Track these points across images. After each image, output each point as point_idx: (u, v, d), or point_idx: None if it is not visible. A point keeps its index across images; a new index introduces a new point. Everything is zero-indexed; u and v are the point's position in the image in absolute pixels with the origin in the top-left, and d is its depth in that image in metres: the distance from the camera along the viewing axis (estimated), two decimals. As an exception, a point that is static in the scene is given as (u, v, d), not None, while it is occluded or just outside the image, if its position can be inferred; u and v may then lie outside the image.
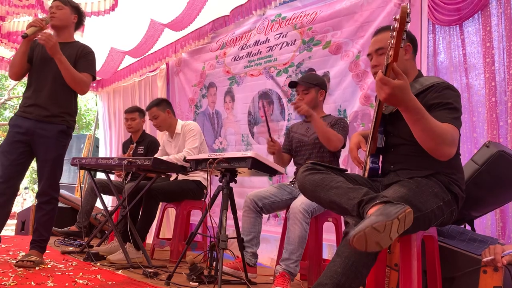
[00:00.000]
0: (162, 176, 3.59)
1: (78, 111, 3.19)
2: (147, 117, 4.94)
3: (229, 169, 2.59)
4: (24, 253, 3.01)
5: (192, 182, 3.82)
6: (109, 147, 7.13)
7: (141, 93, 6.50)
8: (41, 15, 4.87)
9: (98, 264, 3.09)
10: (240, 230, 2.82)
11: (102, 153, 7.36)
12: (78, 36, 4.95)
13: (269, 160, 2.67)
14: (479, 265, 1.94)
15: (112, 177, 4.29)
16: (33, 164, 3.22)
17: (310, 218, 2.66)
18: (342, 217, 2.83)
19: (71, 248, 3.80)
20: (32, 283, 2.32)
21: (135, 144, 4.51)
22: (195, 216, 4.69)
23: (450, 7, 3.15)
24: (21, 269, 2.69)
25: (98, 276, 2.65)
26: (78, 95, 3.10)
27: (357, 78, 3.67)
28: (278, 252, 3.02)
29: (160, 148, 4.22)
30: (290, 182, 3.13)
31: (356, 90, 3.67)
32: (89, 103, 17.99)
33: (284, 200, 2.96)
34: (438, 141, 1.67)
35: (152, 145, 4.53)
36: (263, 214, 2.95)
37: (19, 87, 16.47)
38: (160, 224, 4.01)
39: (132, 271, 2.95)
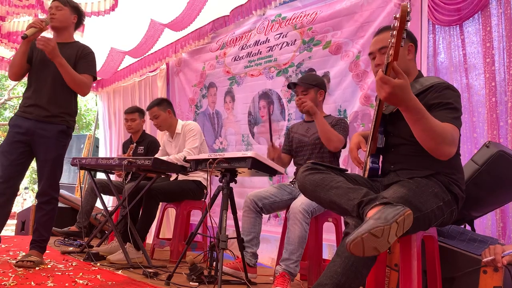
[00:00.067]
0: (162, 176, 3.59)
1: (78, 111, 3.18)
2: (147, 117, 4.95)
3: (229, 169, 2.59)
4: (24, 253, 3.01)
5: (192, 182, 3.82)
6: (109, 147, 7.13)
7: (141, 93, 6.50)
8: (41, 15, 4.87)
9: (98, 264, 3.09)
10: (240, 230, 2.82)
11: (102, 153, 7.36)
12: (78, 36, 4.96)
13: (269, 160, 2.67)
14: (479, 265, 1.93)
15: (112, 177, 4.30)
16: (33, 164, 3.22)
17: (310, 218, 2.66)
18: (342, 217, 2.83)
19: (71, 248, 3.79)
20: (32, 283, 2.32)
21: (135, 144, 4.51)
22: (195, 216, 4.69)
23: (450, 7, 3.15)
24: (21, 269, 2.69)
25: (98, 276, 2.65)
26: (78, 95, 3.09)
27: (357, 78, 3.67)
28: (278, 252, 3.02)
29: (160, 148, 4.23)
30: (290, 182, 3.13)
31: (356, 90, 3.67)
32: (89, 103, 18.00)
33: (284, 200, 2.96)
34: (438, 141, 1.67)
35: (152, 145, 4.53)
36: (263, 214, 2.95)
37: (19, 87, 16.47)
38: (160, 224, 4.01)
39: (132, 271, 2.95)
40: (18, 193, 3.16)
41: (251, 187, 4.32)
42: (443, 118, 1.73)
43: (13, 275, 2.45)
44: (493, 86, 2.91)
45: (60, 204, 3.49)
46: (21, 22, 5.55)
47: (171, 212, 5.13)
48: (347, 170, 1.98)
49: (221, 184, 2.64)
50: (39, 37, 2.80)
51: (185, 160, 3.26)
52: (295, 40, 4.25)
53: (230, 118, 4.87)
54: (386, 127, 2.01)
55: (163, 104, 4.02)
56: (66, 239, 4.26)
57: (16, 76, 3.02)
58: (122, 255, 3.20)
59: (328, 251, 3.56)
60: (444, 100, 1.81)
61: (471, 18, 3.10)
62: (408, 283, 1.72)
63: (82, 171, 4.83)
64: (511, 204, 2.70)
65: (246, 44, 4.79)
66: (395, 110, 1.93)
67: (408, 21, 1.54)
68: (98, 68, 3.19)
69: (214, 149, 5.01)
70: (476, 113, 3.02)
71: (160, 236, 4.10)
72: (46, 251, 3.05)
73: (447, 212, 1.82)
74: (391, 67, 1.60)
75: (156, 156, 4.09)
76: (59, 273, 2.66)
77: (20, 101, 3.08)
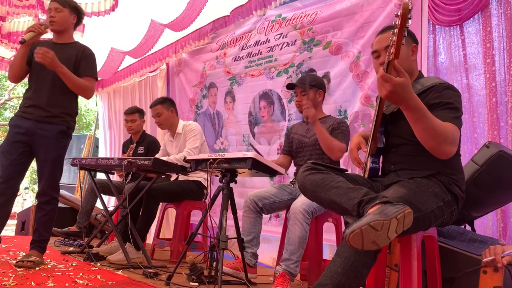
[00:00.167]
0: (162, 176, 3.59)
1: (78, 111, 3.19)
2: (147, 117, 4.95)
3: (229, 170, 2.59)
4: (24, 253, 3.01)
5: (192, 183, 3.82)
6: (109, 148, 7.13)
7: (141, 93, 6.50)
8: (41, 16, 4.88)
9: (98, 264, 3.09)
10: (240, 230, 2.82)
11: (102, 154, 7.36)
12: (78, 37, 4.97)
13: (269, 161, 2.67)
14: (479, 265, 1.93)
15: (114, 177, 4.30)
16: (33, 164, 3.22)
17: (311, 218, 2.66)
18: (342, 217, 2.83)
19: (71, 249, 3.79)
20: (32, 283, 2.32)
21: (135, 144, 4.51)
22: (196, 217, 4.69)
23: (450, 8, 3.15)
24: (21, 269, 2.69)
25: (98, 277, 2.65)
26: (79, 96, 3.10)
27: (357, 79, 3.67)
28: (278, 252, 3.02)
29: (161, 148, 4.23)
30: (290, 182, 3.13)
31: (357, 91, 3.67)
32: (89, 103, 18.00)
33: (284, 200, 2.96)
34: (439, 140, 1.67)
35: (152, 145, 4.53)
36: (263, 215, 2.95)
37: (19, 88, 16.48)
38: (160, 224, 4.01)
39: (132, 271, 2.95)
40: (18, 193, 3.16)
41: (252, 187, 4.32)
42: (444, 117, 1.73)
43: (13, 275, 2.45)
44: (494, 86, 2.91)
45: (60, 204, 3.49)
46: (21, 23, 5.56)
47: (171, 212, 5.13)
48: (347, 170, 1.98)
49: (221, 184, 2.64)
50: (36, 50, 2.79)
51: (185, 160, 3.26)
52: (295, 41, 4.25)
53: (231, 118, 4.87)
54: (387, 127, 2.01)
55: (167, 103, 4.03)
56: (66, 239, 4.26)
57: (16, 78, 3.03)
58: (122, 255, 3.20)
59: (329, 251, 3.56)
60: (444, 100, 1.81)
61: (471, 19, 3.10)
62: (408, 283, 1.72)
63: (82, 171, 4.83)
64: (511, 204, 2.70)
65: (246, 45, 4.79)
66: (395, 110, 1.93)
67: (410, 18, 1.53)
68: (98, 68, 3.19)
69: (215, 149, 5.01)
70: (477, 114, 3.02)
71: (160, 236, 4.10)
72: (46, 251, 3.05)
73: (447, 212, 1.82)
74: (392, 65, 1.60)
75: (157, 155, 4.10)
76: (59, 273, 2.66)
77: (20, 101, 3.09)
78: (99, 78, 6.67)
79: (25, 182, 17.04)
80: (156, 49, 5.82)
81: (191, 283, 2.59)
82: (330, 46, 3.93)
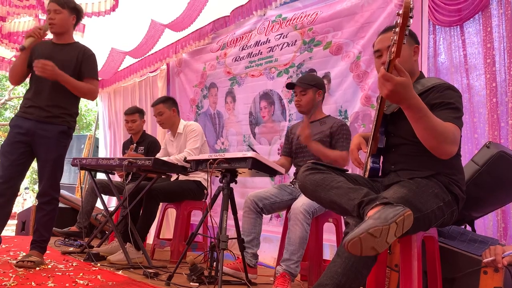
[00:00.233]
0: (163, 176, 3.59)
1: (79, 111, 3.19)
2: (147, 117, 4.95)
3: (229, 170, 2.59)
4: (24, 254, 3.01)
5: (193, 183, 3.82)
6: (109, 148, 7.13)
7: (141, 93, 6.51)
8: (41, 16, 4.88)
9: (99, 264, 3.09)
10: (241, 230, 2.82)
11: (102, 154, 7.36)
12: (78, 37, 4.97)
13: (270, 160, 2.67)
14: (480, 265, 1.93)
15: (114, 177, 4.29)
16: (34, 165, 3.23)
17: (311, 218, 2.66)
18: (342, 217, 2.83)
19: (71, 249, 3.79)
20: (33, 283, 2.32)
21: (135, 144, 4.50)
22: (196, 217, 4.69)
23: (450, 8, 3.15)
24: (21, 269, 2.69)
25: (99, 277, 2.65)
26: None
27: (358, 79, 3.67)
28: (278, 252, 3.02)
29: (162, 147, 4.23)
30: (290, 182, 3.13)
31: (357, 91, 3.67)
32: (89, 104, 17.99)
33: (285, 200, 2.96)
34: (440, 139, 1.67)
35: (152, 145, 4.53)
36: (263, 215, 2.95)
37: (20, 88, 16.46)
38: (160, 224, 4.01)
39: (132, 272, 2.95)
40: (19, 193, 3.16)
41: (252, 187, 4.32)
42: (445, 117, 1.73)
43: (13, 275, 2.45)
44: (494, 86, 2.91)
45: (60, 205, 3.49)
46: (21, 23, 5.56)
47: (171, 212, 5.13)
48: (347, 170, 1.98)
49: (221, 184, 2.64)
50: (35, 62, 2.80)
51: (185, 160, 3.26)
52: (296, 41, 4.25)
53: (231, 118, 4.87)
54: (387, 127, 2.01)
55: (169, 102, 4.03)
56: (67, 240, 4.26)
57: (17, 82, 3.06)
58: (123, 256, 3.20)
59: (329, 252, 3.56)
60: (445, 100, 1.81)
61: (471, 19, 3.10)
62: (409, 284, 1.72)
63: (82, 172, 4.83)
64: None
65: (246, 45, 4.79)
66: (396, 110, 1.93)
67: (411, 17, 1.53)
68: (98, 68, 3.19)
69: (216, 149, 5.01)
70: (477, 114, 3.02)
71: (160, 237, 4.10)
72: (47, 252, 3.05)
73: (447, 213, 1.82)
74: (393, 64, 1.60)
75: (157, 155, 4.10)
76: (60, 274, 2.67)
77: (20, 102, 3.09)
78: (99, 78, 6.70)
79: (25, 182, 17.03)
80: (157, 49, 5.82)
81: (191, 283, 2.59)
82: (331, 46, 3.93)
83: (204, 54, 5.37)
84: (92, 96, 3.08)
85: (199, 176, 3.85)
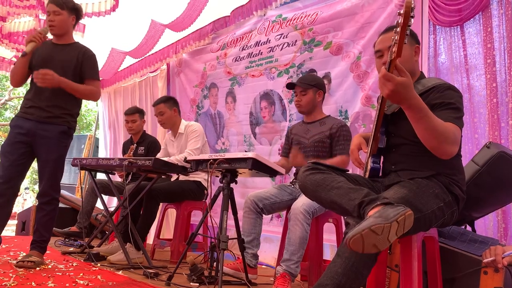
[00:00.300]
0: (163, 176, 3.59)
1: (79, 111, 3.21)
2: (147, 117, 4.95)
3: (229, 170, 2.59)
4: (24, 254, 3.01)
5: (193, 183, 3.82)
6: (109, 148, 7.13)
7: (141, 93, 6.50)
8: (42, 16, 4.88)
9: (99, 264, 3.10)
10: (241, 231, 2.82)
11: (102, 154, 7.36)
12: (78, 37, 4.97)
13: (270, 161, 2.67)
14: (480, 266, 1.93)
15: (114, 177, 4.29)
16: (34, 165, 3.23)
17: (311, 219, 2.66)
18: (342, 217, 2.83)
19: (71, 249, 3.80)
20: (33, 283, 2.32)
21: (135, 144, 4.51)
22: (196, 217, 4.69)
23: (451, 8, 3.15)
24: (21, 269, 2.69)
25: (99, 277, 2.65)
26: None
27: (358, 79, 3.67)
28: (278, 252, 3.02)
29: (162, 147, 4.22)
30: (290, 182, 3.13)
31: (357, 91, 3.67)
32: (90, 104, 17.98)
33: (285, 201, 2.96)
34: (440, 140, 1.67)
35: (152, 145, 4.53)
36: (263, 215, 2.95)
37: (20, 88, 16.47)
38: (160, 224, 4.01)
39: (132, 272, 2.95)
40: (19, 193, 3.16)
41: (253, 187, 4.32)
42: (446, 117, 1.73)
43: (13, 276, 2.45)
44: (494, 87, 2.91)
45: (60, 205, 3.49)
46: (22, 23, 5.56)
47: (171, 212, 5.13)
48: (348, 170, 1.98)
49: (221, 184, 2.64)
50: (34, 74, 2.84)
51: (185, 160, 3.26)
52: (296, 41, 4.25)
53: (232, 118, 4.87)
54: (388, 128, 2.01)
55: (170, 102, 4.03)
56: (67, 240, 4.27)
57: (18, 84, 3.09)
58: (123, 256, 3.20)
59: (330, 252, 3.56)
60: (446, 100, 1.81)
61: (472, 19, 3.10)
62: (409, 284, 1.72)
63: (82, 172, 4.83)
64: (512, 205, 2.70)
65: (247, 45, 4.79)
66: (396, 110, 1.93)
67: (412, 17, 1.53)
68: (99, 68, 3.20)
69: (216, 149, 5.01)
70: (477, 114, 3.02)
71: (160, 237, 4.10)
72: (47, 252, 3.05)
73: (447, 213, 1.82)
74: (394, 64, 1.60)
75: (158, 155, 4.09)
76: (60, 274, 2.67)
77: (20, 102, 3.10)
78: (100, 78, 6.71)
79: (25, 182, 17.04)
80: (157, 50, 5.81)
81: (191, 283, 2.59)
82: (331, 46, 3.93)
83: (204, 54, 5.37)
84: (94, 98, 3.10)
85: (199, 177, 3.85)
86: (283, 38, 4.38)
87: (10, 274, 2.49)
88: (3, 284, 2.25)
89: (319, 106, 3.12)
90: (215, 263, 2.59)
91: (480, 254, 1.97)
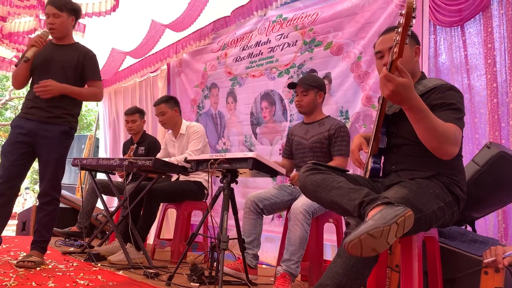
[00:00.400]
0: (163, 176, 3.59)
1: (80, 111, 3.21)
2: (147, 117, 4.95)
3: (230, 170, 2.59)
4: (25, 254, 3.01)
5: (193, 183, 3.82)
6: (109, 148, 7.13)
7: (141, 93, 6.51)
8: (42, 16, 4.88)
9: (99, 264, 3.10)
10: (241, 231, 2.82)
11: (102, 154, 7.36)
12: (79, 37, 4.97)
13: (270, 161, 2.67)
14: (480, 266, 1.93)
15: (114, 177, 4.29)
16: (34, 165, 3.23)
17: (311, 219, 2.66)
18: (343, 217, 2.83)
19: (72, 249, 3.80)
20: (33, 283, 2.32)
21: (135, 145, 4.50)
22: (196, 217, 4.69)
23: (451, 8, 3.15)
24: (22, 269, 2.69)
25: (99, 277, 2.65)
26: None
27: (358, 79, 3.67)
28: (278, 253, 3.02)
29: (162, 147, 4.22)
30: (290, 183, 3.13)
31: (358, 91, 3.67)
32: (90, 104, 17.97)
33: (285, 201, 2.96)
34: (441, 140, 1.67)
35: (152, 145, 4.53)
36: (264, 215, 2.95)
37: (20, 88, 16.46)
38: (160, 224, 4.01)
39: (133, 272, 2.95)
40: (19, 193, 3.17)
41: (254, 187, 4.32)
42: (446, 118, 1.73)
43: (14, 276, 2.45)
44: (495, 87, 2.91)
45: (61, 205, 3.49)
46: (22, 23, 5.56)
47: (171, 213, 5.13)
48: (348, 171, 1.98)
49: (222, 184, 2.64)
50: (35, 87, 2.85)
51: (186, 160, 3.26)
52: (296, 41, 4.25)
53: (233, 118, 4.87)
54: (389, 128, 2.01)
55: (171, 102, 4.02)
56: (67, 240, 4.27)
57: (19, 87, 3.09)
58: (123, 256, 3.20)
59: (331, 252, 3.56)
60: (447, 101, 1.81)
61: (472, 19, 3.10)
62: (409, 284, 1.72)
63: (83, 172, 4.83)
64: (512, 205, 2.70)
65: (247, 45, 4.79)
66: (397, 111, 1.92)
67: (414, 17, 1.53)
68: (99, 68, 3.21)
69: (217, 149, 5.01)
70: (478, 114, 3.02)
71: (160, 237, 4.10)
72: (47, 252, 3.06)
73: (448, 213, 1.81)
74: (395, 65, 1.60)
75: (158, 155, 4.09)
76: (60, 274, 2.67)
77: (21, 101, 3.10)
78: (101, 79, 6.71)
79: (25, 183, 17.05)
80: (157, 50, 5.81)
81: (191, 283, 2.59)
82: (331, 46, 3.92)
83: (204, 54, 5.37)
84: (98, 98, 3.13)
85: (200, 177, 3.85)
86: (284, 38, 4.38)
87: (11, 274, 2.49)
88: (4, 284, 2.25)
89: (319, 107, 3.12)
90: (215, 263, 2.59)
91: (481, 254, 1.97)
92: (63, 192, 4.55)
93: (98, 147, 7.69)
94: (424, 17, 3.27)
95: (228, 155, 2.54)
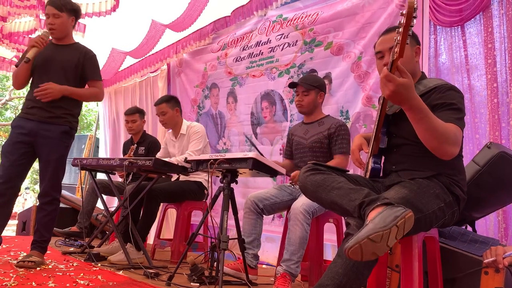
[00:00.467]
0: (163, 176, 3.58)
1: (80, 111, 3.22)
2: (147, 117, 4.94)
3: (230, 170, 2.59)
4: (25, 254, 3.01)
5: (193, 183, 3.82)
6: (109, 148, 7.13)
7: (142, 93, 6.51)
8: (42, 16, 4.88)
9: (99, 264, 3.09)
10: (241, 231, 2.82)
11: (102, 154, 7.36)
12: (79, 37, 4.97)
13: (270, 161, 2.67)
14: (481, 266, 1.93)
15: (114, 177, 4.29)
16: (34, 165, 3.23)
17: (311, 218, 2.66)
18: (343, 217, 2.83)
19: (72, 249, 3.80)
20: (33, 283, 2.32)
21: (135, 145, 4.50)
22: (196, 217, 4.69)
23: (451, 8, 3.15)
24: (22, 269, 2.69)
25: (99, 277, 2.65)
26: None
27: (359, 79, 3.67)
28: (279, 253, 3.02)
29: (162, 146, 4.21)
30: (290, 183, 3.13)
31: (358, 91, 3.67)
32: (90, 104, 17.97)
33: (285, 201, 2.96)
34: (441, 140, 1.67)
35: (153, 145, 4.53)
36: (264, 215, 2.95)
37: (20, 88, 16.44)
38: (160, 224, 4.01)
39: (133, 272, 2.95)
40: (19, 193, 3.16)
41: (255, 187, 4.32)
42: (447, 118, 1.73)
43: (14, 276, 2.45)
44: (495, 87, 2.91)
45: (61, 205, 3.49)
46: (22, 23, 5.56)
47: (171, 212, 5.13)
48: (348, 171, 1.98)
49: (222, 184, 2.64)
50: (35, 91, 2.87)
51: (186, 160, 3.26)
52: (297, 41, 4.25)
53: (233, 119, 4.87)
54: (389, 128, 2.01)
55: (172, 101, 4.01)
56: (67, 240, 4.27)
57: (20, 87, 3.09)
58: (123, 256, 3.20)
59: (331, 252, 3.56)
60: (447, 101, 1.81)
61: (472, 19, 3.10)
62: (409, 284, 1.72)
63: (83, 172, 4.83)
64: (513, 205, 2.70)
65: (247, 45, 4.79)
66: (398, 111, 1.92)
67: (415, 17, 1.53)
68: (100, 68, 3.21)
69: (218, 149, 5.01)
70: (478, 114, 3.02)
71: (160, 237, 4.10)
72: (47, 252, 3.05)
73: (448, 213, 1.81)
74: (396, 65, 1.60)
75: (157, 154, 4.09)
76: (60, 274, 2.67)
77: (21, 101, 3.11)
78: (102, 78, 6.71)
79: (26, 182, 17.05)
80: (157, 50, 5.81)
81: (192, 283, 2.59)
82: (332, 46, 3.92)
83: (204, 54, 5.37)
84: (99, 98, 3.14)
85: (200, 177, 3.85)
86: (284, 38, 4.38)
87: (11, 274, 2.49)
88: (4, 284, 2.25)
89: (319, 107, 3.12)
90: (215, 263, 2.59)
91: (481, 254, 1.96)
92: (63, 192, 4.55)
93: (98, 147, 7.69)
94: (424, 17, 3.27)
95: (228, 155, 2.54)
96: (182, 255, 2.80)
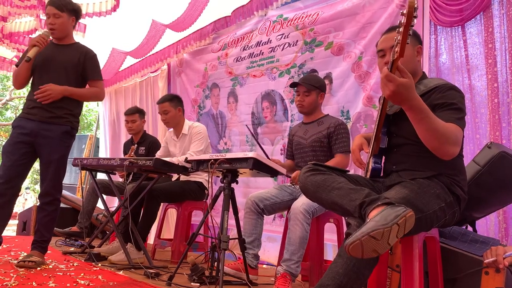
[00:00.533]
0: (163, 176, 3.58)
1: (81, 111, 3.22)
2: (147, 117, 4.94)
3: (230, 170, 2.59)
4: (25, 254, 3.01)
5: (194, 183, 3.82)
6: (110, 148, 7.13)
7: (142, 93, 6.51)
8: (42, 16, 4.88)
9: (100, 264, 3.09)
10: (242, 231, 2.82)
11: (102, 154, 7.36)
12: (79, 37, 4.98)
13: (270, 161, 2.67)
14: (481, 266, 1.93)
15: (115, 177, 4.29)
16: (35, 165, 3.23)
17: (311, 218, 2.66)
18: (343, 217, 2.83)
19: (72, 249, 3.80)
20: (34, 283, 2.32)
21: (136, 145, 4.50)
22: (197, 217, 4.69)
23: (452, 8, 3.14)
24: (22, 269, 2.69)
25: (100, 277, 2.65)
26: None
27: (359, 79, 3.66)
28: (279, 253, 3.02)
29: (162, 145, 4.20)
30: (290, 183, 3.13)
31: (359, 91, 3.67)
32: (90, 104, 17.98)
33: (285, 201, 2.96)
34: (442, 140, 1.67)
35: (153, 145, 4.53)
36: (264, 215, 2.95)
37: (21, 87, 16.44)
38: (161, 224, 4.01)
39: (133, 272, 2.95)
40: (20, 193, 3.16)
41: (255, 187, 4.32)
42: (447, 118, 1.73)
43: (14, 276, 2.45)
44: (496, 87, 2.90)
45: (61, 205, 3.49)
46: (22, 23, 5.56)
47: (172, 212, 5.13)
48: (348, 171, 1.98)
49: (222, 184, 2.64)
50: (36, 94, 2.88)
51: (186, 160, 3.26)
52: (297, 41, 4.25)
53: (234, 118, 4.87)
54: (390, 128, 2.01)
55: (175, 100, 4.00)
56: (68, 240, 4.26)
57: (20, 87, 3.10)
58: (123, 256, 3.20)
59: (332, 251, 3.56)
60: (448, 101, 1.81)
61: (473, 19, 3.09)
62: (410, 284, 1.72)
63: (83, 172, 4.83)
64: (513, 205, 2.70)
65: (248, 45, 4.79)
66: (398, 111, 1.92)
67: (415, 17, 1.53)
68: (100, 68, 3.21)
69: (219, 149, 5.01)
70: (479, 114, 3.02)
71: (161, 237, 4.10)
72: (48, 252, 3.05)
73: (449, 213, 1.81)
74: (396, 65, 1.60)
75: (157, 153, 4.09)
76: (61, 274, 2.67)
77: (22, 101, 3.11)
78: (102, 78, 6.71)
79: (26, 182, 17.05)
80: (157, 50, 5.81)
81: (192, 283, 2.59)
82: (332, 46, 3.92)
83: (205, 54, 5.37)
84: (99, 98, 3.15)
85: (201, 177, 3.84)
86: (284, 38, 4.38)
87: (11, 274, 2.49)
88: (4, 284, 2.25)
89: (319, 107, 3.12)
90: (216, 263, 2.59)
91: (481, 254, 1.96)
92: (64, 192, 4.55)
93: (98, 147, 7.69)
94: (424, 17, 3.27)
95: (228, 155, 2.54)
96: (182, 255, 2.80)
